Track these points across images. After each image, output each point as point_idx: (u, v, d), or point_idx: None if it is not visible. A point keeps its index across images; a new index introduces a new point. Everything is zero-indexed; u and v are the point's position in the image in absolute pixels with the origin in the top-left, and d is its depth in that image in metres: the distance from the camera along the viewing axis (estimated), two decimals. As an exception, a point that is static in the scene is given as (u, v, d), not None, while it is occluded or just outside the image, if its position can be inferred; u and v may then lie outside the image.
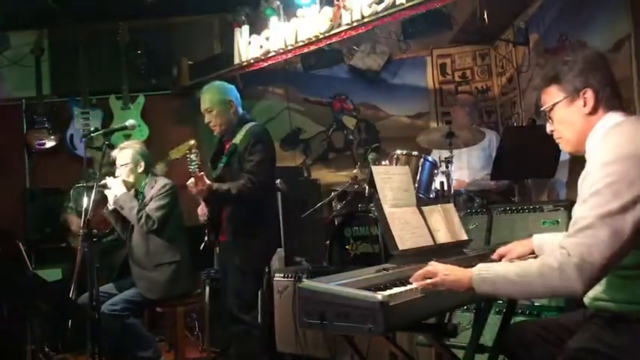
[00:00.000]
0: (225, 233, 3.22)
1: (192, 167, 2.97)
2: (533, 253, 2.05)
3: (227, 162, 3.19)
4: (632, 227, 1.52)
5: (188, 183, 3.01)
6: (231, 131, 3.26)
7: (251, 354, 3.16)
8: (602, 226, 1.52)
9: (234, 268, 3.15)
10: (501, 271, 1.63)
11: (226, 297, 3.23)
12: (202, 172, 2.97)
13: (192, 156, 2.98)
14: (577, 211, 1.60)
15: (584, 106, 1.73)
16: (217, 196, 3.05)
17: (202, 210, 3.26)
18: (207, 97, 3.25)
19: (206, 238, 3.26)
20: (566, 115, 1.77)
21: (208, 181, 3.00)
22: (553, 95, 1.78)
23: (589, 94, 1.72)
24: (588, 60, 1.74)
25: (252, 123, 3.29)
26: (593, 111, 1.72)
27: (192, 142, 4.28)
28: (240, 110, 3.31)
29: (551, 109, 1.79)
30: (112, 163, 3.78)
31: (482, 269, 1.66)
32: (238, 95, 3.33)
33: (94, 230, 3.08)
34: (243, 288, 3.16)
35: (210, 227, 3.24)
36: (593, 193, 1.56)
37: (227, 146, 3.27)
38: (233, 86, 3.36)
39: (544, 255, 1.58)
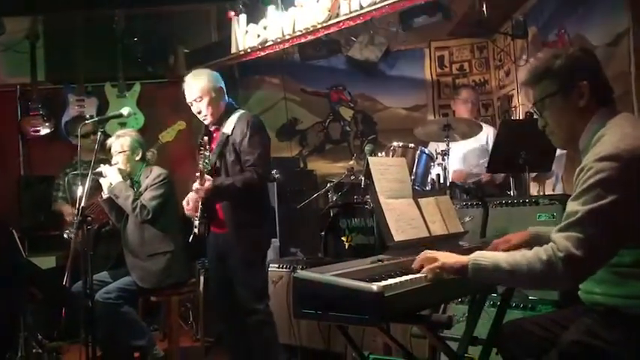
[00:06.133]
0: (220, 225, 3.13)
1: (202, 164, 2.89)
2: (528, 245, 2.05)
3: (220, 153, 3.07)
4: (622, 224, 1.53)
5: (194, 187, 2.95)
6: (219, 120, 3.13)
7: (270, 342, 3.10)
8: (591, 221, 1.53)
9: (241, 259, 3.06)
10: (495, 259, 1.66)
11: (219, 287, 3.19)
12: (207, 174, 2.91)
13: (207, 153, 2.90)
14: (569, 205, 1.61)
15: (580, 98, 1.72)
16: (221, 191, 2.96)
17: (191, 203, 3.08)
18: (197, 85, 3.07)
19: (195, 231, 3.09)
20: (559, 109, 1.76)
21: (210, 179, 2.93)
22: (546, 89, 1.77)
23: (584, 86, 1.71)
24: (580, 54, 1.75)
25: (242, 111, 3.17)
26: (588, 104, 1.72)
27: (182, 123, 4.26)
28: (226, 98, 3.19)
29: (542, 105, 1.79)
30: (108, 151, 3.76)
31: (478, 256, 1.68)
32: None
33: (89, 218, 3.06)
34: (254, 278, 3.09)
35: (203, 219, 3.09)
36: (586, 189, 1.57)
37: (215, 136, 3.14)
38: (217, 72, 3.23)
39: (536, 247, 1.59)
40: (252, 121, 3.07)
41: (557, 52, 1.77)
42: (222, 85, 3.16)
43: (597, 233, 1.52)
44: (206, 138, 3.06)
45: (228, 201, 3.07)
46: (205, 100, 3.07)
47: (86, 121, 3.43)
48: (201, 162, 2.97)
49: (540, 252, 1.57)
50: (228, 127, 3.07)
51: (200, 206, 3.07)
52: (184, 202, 3.13)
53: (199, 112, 3.11)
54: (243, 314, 3.09)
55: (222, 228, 3.12)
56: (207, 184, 2.93)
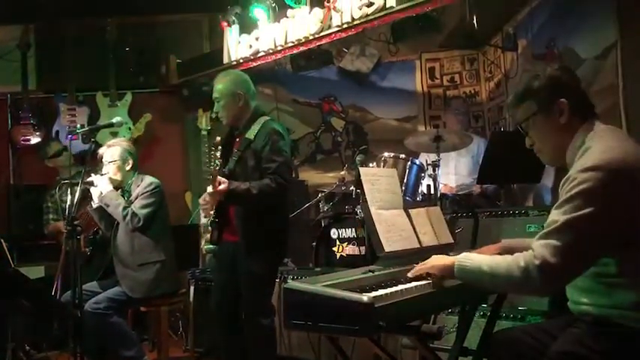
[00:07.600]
0: (232, 232, 3.00)
1: (212, 165, 2.83)
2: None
3: (240, 157, 3.01)
4: (600, 235, 1.56)
5: (208, 189, 2.88)
6: (243, 124, 3.07)
7: (268, 358, 3.04)
8: (569, 231, 1.56)
9: (249, 271, 2.94)
10: (478, 261, 1.72)
11: (222, 296, 3.10)
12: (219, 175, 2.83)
13: (218, 153, 2.86)
14: (551, 214, 1.64)
15: (560, 116, 1.76)
16: (235, 195, 2.86)
17: (207, 204, 3.00)
18: (218, 87, 3.07)
19: (208, 236, 3.02)
20: (542, 128, 1.81)
21: (225, 181, 2.83)
22: (528, 109, 1.82)
23: (564, 104, 1.75)
24: (558, 73, 1.80)
25: (267, 118, 3.10)
26: (569, 121, 1.76)
27: (147, 115, 4.28)
28: (253, 103, 3.11)
29: (527, 125, 1.83)
30: (99, 161, 3.76)
31: (463, 259, 1.75)
32: (252, 87, 3.13)
33: (78, 227, 3.05)
34: (262, 293, 2.99)
35: (215, 224, 2.99)
36: (568, 199, 1.60)
37: (238, 140, 3.09)
38: (248, 77, 3.17)
39: (517, 253, 1.62)
40: (276, 129, 3.03)
41: (536, 74, 1.83)
42: (245, 90, 3.08)
43: (573, 242, 1.55)
44: (218, 138, 2.99)
45: (242, 207, 2.97)
46: (222, 101, 3.06)
47: (77, 131, 3.40)
48: (212, 164, 2.91)
49: (519, 258, 1.61)
50: (251, 133, 3.03)
51: (213, 211, 2.99)
52: (200, 200, 3.05)
53: (218, 112, 3.11)
54: (245, 327, 3.02)
55: (234, 236, 3.02)
56: (223, 186, 2.83)
